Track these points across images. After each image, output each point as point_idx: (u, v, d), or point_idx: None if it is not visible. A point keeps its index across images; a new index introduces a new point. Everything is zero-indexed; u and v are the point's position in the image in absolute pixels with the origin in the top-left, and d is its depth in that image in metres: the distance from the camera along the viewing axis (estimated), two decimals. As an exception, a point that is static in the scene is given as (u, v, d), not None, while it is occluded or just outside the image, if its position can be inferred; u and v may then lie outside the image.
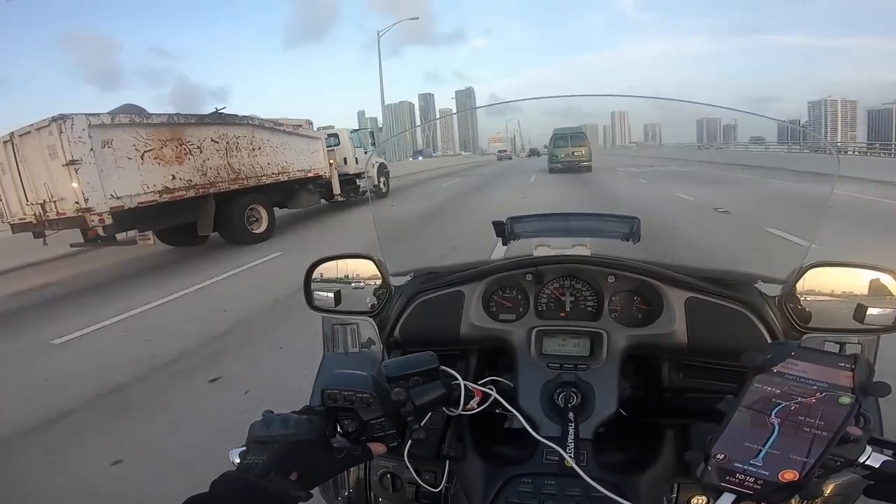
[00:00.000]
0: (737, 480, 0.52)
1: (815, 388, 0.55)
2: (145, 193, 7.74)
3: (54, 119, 6.80)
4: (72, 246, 8.58)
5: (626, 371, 0.97)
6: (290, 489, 0.61)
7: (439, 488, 0.89)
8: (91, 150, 6.96)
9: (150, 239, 8.54)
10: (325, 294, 1.12)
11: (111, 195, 7.22)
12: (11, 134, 7.45)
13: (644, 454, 0.84)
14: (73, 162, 6.79)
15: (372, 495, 0.97)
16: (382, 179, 15.57)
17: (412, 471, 0.87)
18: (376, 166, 15.20)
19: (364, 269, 1.13)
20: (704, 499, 0.82)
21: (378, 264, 1.11)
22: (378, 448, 0.72)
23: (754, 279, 1.02)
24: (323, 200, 12.60)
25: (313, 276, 1.13)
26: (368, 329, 1.08)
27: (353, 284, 1.14)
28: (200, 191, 8.63)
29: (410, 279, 1.16)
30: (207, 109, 9.65)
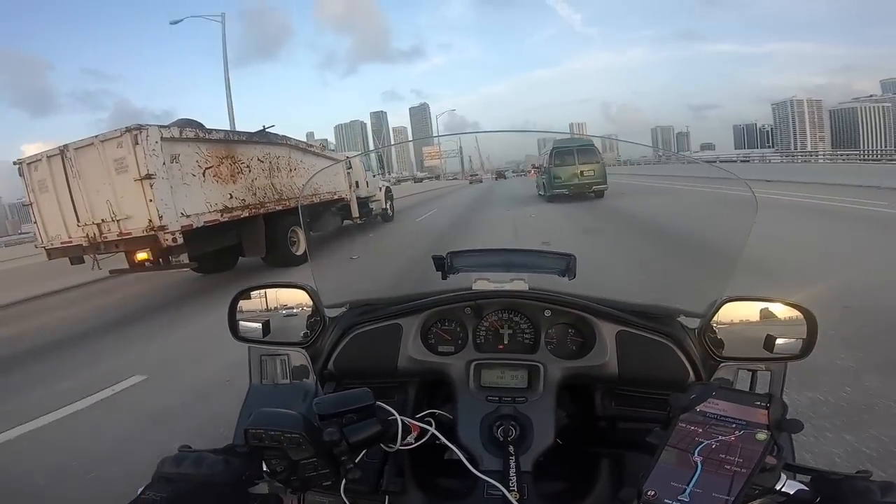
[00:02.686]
0: None
1: (734, 426, 0.60)
2: (210, 212, 7.33)
3: (129, 129, 6.34)
4: (112, 273, 7.90)
5: (562, 401, 0.99)
6: None
7: None
8: (164, 163, 6.53)
9: (191, 264, 8.12)
10: (252, 324, 1.06)
11: (181, 213, 6.77)
12: (63, 147, 6.86)
13: (582, 483, 0.88)
14: (148, 176, 6.33)
15: None
16: (389, 203, 15.47)
17: None
18: (383, 189, 15.11)
19: (296, 298, 1.10)
20: None
21: (312, 294, 1.08)
22: None
23: (677, 313, 1.09)
24: (346, 222, 12.33)
25: (239, 307, 1.08)
26: (300, 360, 1.04)
27: (283, 314, 1.10)
28: (252, 211, 8.26)
29: (346, 310, 1.15)
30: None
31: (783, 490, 0.59)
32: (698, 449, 0.58)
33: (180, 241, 6.67)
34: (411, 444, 0.79)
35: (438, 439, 0.82)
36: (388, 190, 15.57)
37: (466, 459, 0.81)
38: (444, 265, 1.17)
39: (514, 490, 0.74)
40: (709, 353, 0.98)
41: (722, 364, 0.96)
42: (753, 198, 1.13)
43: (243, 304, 1.08)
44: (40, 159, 7.07)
